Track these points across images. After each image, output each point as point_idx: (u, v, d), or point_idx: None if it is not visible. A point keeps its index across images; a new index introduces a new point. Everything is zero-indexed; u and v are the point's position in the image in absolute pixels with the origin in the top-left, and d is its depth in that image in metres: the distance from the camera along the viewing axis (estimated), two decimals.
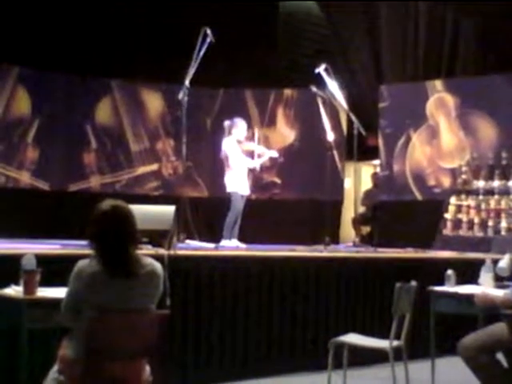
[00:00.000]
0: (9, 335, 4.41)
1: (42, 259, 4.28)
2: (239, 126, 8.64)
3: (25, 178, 10.90)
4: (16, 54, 10.26)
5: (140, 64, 10.89)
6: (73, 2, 10.64)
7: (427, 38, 11.58)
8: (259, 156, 8.85)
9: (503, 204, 9.52)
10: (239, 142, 8.63)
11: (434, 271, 6.39)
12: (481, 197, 9.74)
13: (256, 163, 8.80)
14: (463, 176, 10.16)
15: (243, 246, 8.33)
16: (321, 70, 8.56)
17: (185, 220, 7.88)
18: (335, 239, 10.46)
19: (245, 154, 8.69)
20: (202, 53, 8.01)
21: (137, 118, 11.69)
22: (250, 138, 9.09)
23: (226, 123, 8.73)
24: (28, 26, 10.27)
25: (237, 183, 8.55)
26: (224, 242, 8.26)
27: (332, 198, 10.10)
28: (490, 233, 9.45)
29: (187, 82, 8.12)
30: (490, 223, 9.49)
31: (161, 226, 5.77)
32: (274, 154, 9.39)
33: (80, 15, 10.70)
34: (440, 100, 10.98)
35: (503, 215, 9.45)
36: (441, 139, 10.97)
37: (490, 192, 9.73)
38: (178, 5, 11.22)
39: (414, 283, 5.27)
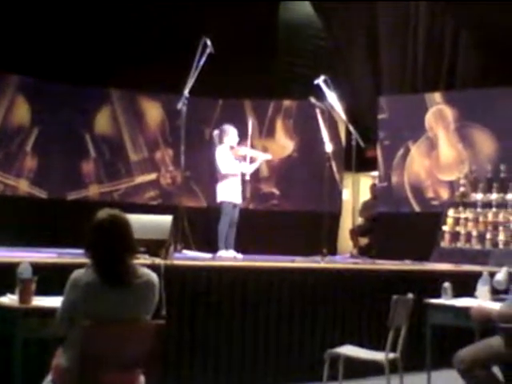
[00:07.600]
0: (3, 344, 4.39)
1: (38, 268, 4.27)
2: (229, 133, 8.61)
3: (23, 187, 10.89)
4: (16, 63, 10.27)
5: (139, 74, 10.87)
6: (72, 12, 10.67)
7: (426, 50, 11.59)
8: (252, 160, 8.82)
9: (501, 217, 9.52)
10: (232, 147, 8.61)
11: (431, 283, 6.40)
12: (479, 209, 9.74)
13: (250, 168, 8.77)
14: (461, 188, 10.16)
15: (240, 256, 8.31)
16: (320, 81, 8.56)
17: (182, 230, 7.88)
18: (333, 250, 10.43)
19: (239, 160, 8.67)
20: (201, 63, 8.04)
21: (136, 127, 11.70)
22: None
23: (215, 133, 8.74)
24: (28, 35, 10.29)
25: (228, 192, 8.53)
26: (221, 253, 8.25)
27: (330, 209, 10.04)
28: (488, 246, 9.45)
29: (186, 92, 8.15)
30: (488, 236, 9.49)
31: (158, 236, 5.76)
32: (268, 156, 9.40)
33: (80, 25, 10.72)
34: (439, 112, 10.99)
35: (501, 228, 9.45)
36: (439, 151, 10.97)
37: (488, 205, 9.73)
38: (177, 15, 11.25)
39: (410, 295, 5.27)
